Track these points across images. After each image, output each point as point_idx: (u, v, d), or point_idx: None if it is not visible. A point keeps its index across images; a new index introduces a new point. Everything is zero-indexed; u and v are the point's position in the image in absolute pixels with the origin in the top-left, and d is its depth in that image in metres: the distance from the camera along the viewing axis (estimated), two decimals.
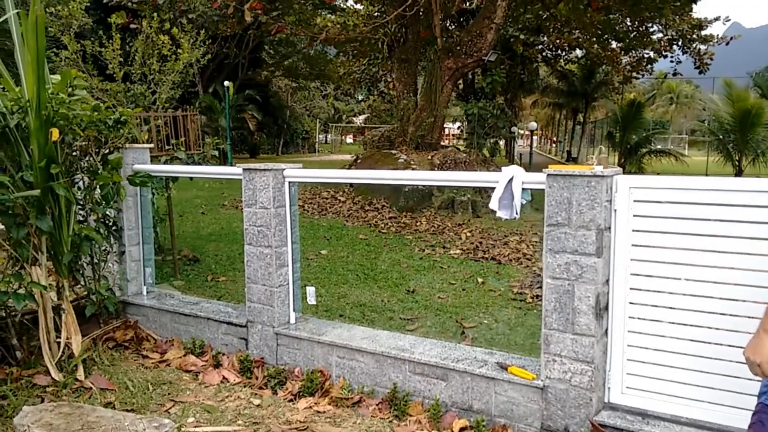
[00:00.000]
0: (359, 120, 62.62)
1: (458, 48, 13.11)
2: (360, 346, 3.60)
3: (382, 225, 9.57)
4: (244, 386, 3.75)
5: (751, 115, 16.15)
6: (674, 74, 22.26)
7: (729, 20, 20.29)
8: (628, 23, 20.36)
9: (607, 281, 2.89)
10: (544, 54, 27.51)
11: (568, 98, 31.16)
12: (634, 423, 2.82)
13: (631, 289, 2.85)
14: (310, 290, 4.05)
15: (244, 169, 3.98)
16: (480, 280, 6.35)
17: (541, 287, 5.97)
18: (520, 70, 18.14)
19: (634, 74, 24.85)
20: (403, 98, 13.80)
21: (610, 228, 2.86)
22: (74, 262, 4.01)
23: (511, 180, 3.05)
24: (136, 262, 4.74)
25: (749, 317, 2.59)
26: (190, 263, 6.98)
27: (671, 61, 21.57)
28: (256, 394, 3.66)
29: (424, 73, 15.70)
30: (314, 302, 4.08)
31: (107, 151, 4.32)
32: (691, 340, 2.73)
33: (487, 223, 10.10)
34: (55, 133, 3.32)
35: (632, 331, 2.87)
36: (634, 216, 2.81)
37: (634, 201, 2.80)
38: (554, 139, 45.85)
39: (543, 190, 3.03)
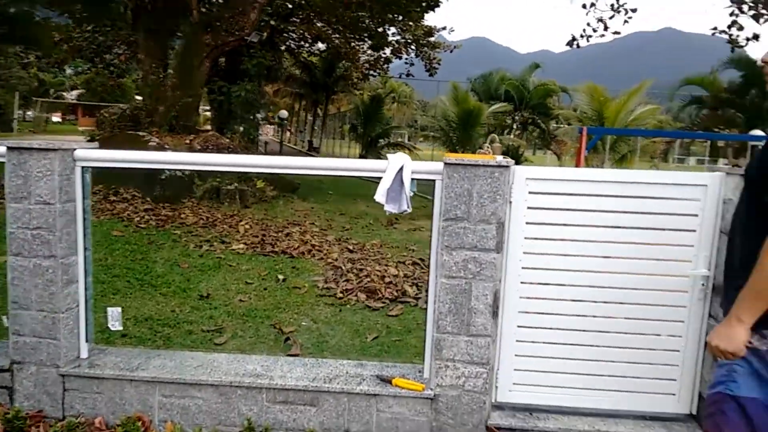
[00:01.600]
0: (72, 96, 54.29)
1: (218, 24, 12.04)
2: (196, 379, 2.80)
3: (138, 219, 8.17)
4: None
5: (472, 115, 18.60)
6: (407, 75, 24.43)
7: (453, 30, 22.99)
8: (369, 23, 21.56)
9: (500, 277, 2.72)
10: (287, 44, 27.47)
11: (309, 89, 31.76)
12: (525, 420, 2.71)
13: (522, 283, 2.72)
14: (113, 312, 3.03)
15: (9, 148, 2.77)
16: (280, 277, 5.80)
17: (347, 281, 5.74)
18: (270, 57, 17.67)
19: (372, 72, 26.56)
20: (152, 74, 12.13)
21: (505, 221, 2.68)
22: None
23: (401, 169, 2.65)
24: None
25: (629, 303, 2.68)
26: None
27: (406, 63, 23.59)
28: None
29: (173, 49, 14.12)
30: (119, 327, 3.07)
31: None
32: (573, 330, 2.74)
33: (259, 214, 9.48)
34: None
35: (521, 326, 2.75)
36: (528, 208, 2.68)
37: (529, 192, 2.67)
38: (291, 129, 46.58)
39: (432, 180, 2.73)
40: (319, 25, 21.11)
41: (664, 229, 2.65)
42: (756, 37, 9.56)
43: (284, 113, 27.12)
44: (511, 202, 2.66)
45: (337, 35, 22.01)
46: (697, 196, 2.61)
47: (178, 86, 11.96)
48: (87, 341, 2.96)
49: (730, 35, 9.52)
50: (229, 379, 2.79)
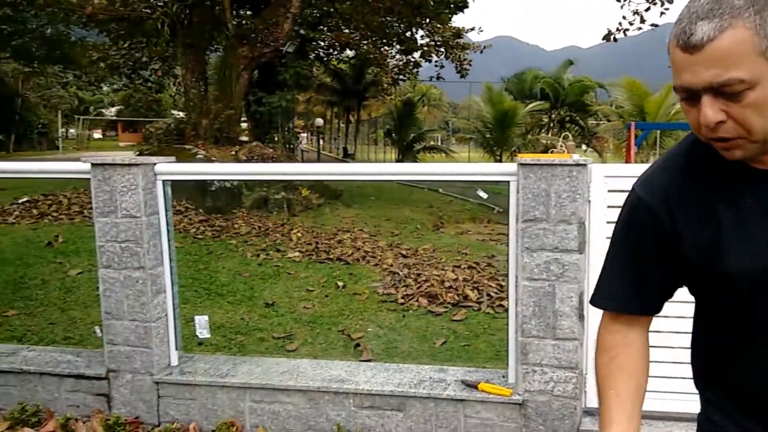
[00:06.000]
0: (111, 112, 55.97)
1: (253, 36, 12.27)
2: (284, 384, 2.88)
3: (194, 230, 8.38)
4: None
5: (508, 115, 18.47)
6: (437, 78, 24.42)
7: (482, 30, 22.93)
8: (397, 27, 21.64)
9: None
10: (317, 52, 27.79)
11: (341, 96, 31.99)
12: None
13: None
14: (201, 320, 3.14)
15: (94, 165, 2.90)
16: (340, 283, 5.87)
17: (406, 286, 5.78)
18: (303, 66, 17.94)
19: (401, 76, 26.65)
20: (192, 87, 12.44)
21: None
22: None
23: None
24: None
25: None
26: None
27: (435, 65, 23.58)
28: None
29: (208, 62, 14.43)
30: (207, 335, 3.18)
31: None
32: (672, 332, 2.70)
33: (308, 222, 9.61)
34: None
35: None
36: (608, 207, 2.67)
37: (608, 191, 2.67)
38: (323, 136, 47.07)
39: (505, 182, 2.76)
40: (347, 32, 21.34)
41: None
42: None
43: (320, 121, 27.34)
44: (590, 202, 2.66)
45: (366, 41, 22.18)
46: None
47: (219, 99, 12.23)
48: (176, 349, 3.08)
49: None
50: (315, 384, 2.85)
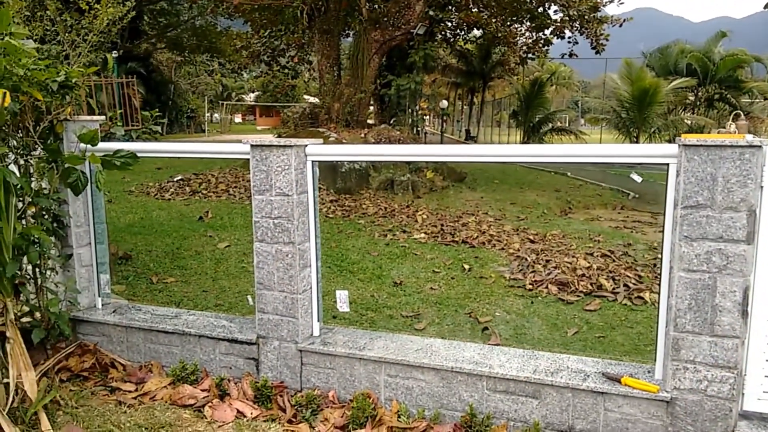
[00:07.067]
0: (250, 98, 59.87)
1: (385, 19, 12.45)
2: (418, 362, 2.94)
3: (326, 209, 8.79)
4: (270, 420, 2.95)
5: (649, 93, 17.13)
6: (570, 55, 23.17)
7: (623, 2, 21.38)
8: (529, 3, 20.77)
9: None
10: (443, 33, 27.55)
11: (466, 77, 31.62)
12: None
13: None
14: (342, 294, 3.29)
15: (253, 146, 3.11)
16: (466, 266, 5.86)
17: (534, 272, 5.63)
18: (431, 48, 17.88)
19: (530, 55, 25.61)
20: (326, 72, 12.92)
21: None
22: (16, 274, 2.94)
23: None
24: (87, 268, 3.68)
25: None
26: (122, 262, 5.83)
27: (569, 42, 22.37)
28: (290, 431, 2.87)
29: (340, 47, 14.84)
30: (346, 309, 3.34)
31: (47, 123, 3.25)
32: None
33: (432, 204, 9.67)
34: (8, 98, 2.29)
35: None
36: None
37: None
38: (444, 118, 46.78)
39: (662, 164, 2.57)
40: (475, 10, 20.90)
41: None
42: None
43: (444, 103, 27.25)
44: (762, 187, 2.40)
45: (495, 19, 21.54)
46: None
47: (351, 83, 12.60)
48: (318, 320, 3.26)
49: None
50: (449, 364, 2.88)
